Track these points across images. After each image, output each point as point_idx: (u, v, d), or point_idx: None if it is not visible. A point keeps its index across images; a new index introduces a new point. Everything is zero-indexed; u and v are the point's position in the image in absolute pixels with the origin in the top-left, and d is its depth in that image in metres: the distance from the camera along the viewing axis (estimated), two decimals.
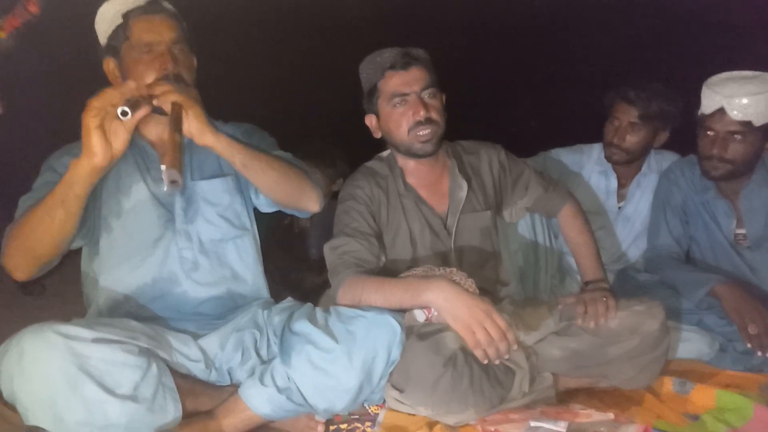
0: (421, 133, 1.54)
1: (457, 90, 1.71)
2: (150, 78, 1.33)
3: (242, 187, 1.52)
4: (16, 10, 1.59)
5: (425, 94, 1.55)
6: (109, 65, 1.42)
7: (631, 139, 1.96)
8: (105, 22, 1.41)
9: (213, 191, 1.46)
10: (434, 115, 1.55)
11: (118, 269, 1.39)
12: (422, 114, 1.53)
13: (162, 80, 1.30)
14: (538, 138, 2.34)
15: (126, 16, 1.38)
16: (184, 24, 1.44)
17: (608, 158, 2.05)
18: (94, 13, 1.43)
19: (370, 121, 1.64)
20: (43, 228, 1.20)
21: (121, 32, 1.38)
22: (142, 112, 1.17)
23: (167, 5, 1.44)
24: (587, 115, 2.15)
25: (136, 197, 1.40)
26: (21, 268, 1.25)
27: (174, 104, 1.21)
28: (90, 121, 1.13)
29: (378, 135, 1.65)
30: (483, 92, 3.39)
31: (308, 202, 1.45)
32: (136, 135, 1.38)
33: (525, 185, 1.73)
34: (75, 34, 1.46)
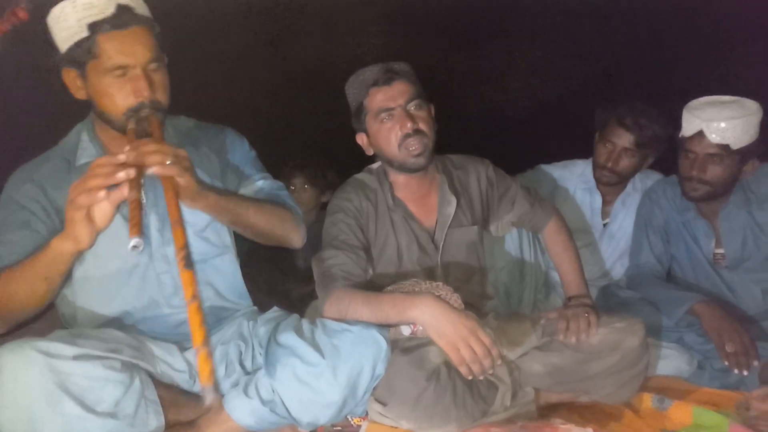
0: (411, 147, 1.55)
1: (446, 102, 1.73)
2: (121, 105, 1.22)
3: None
4: (4, 16, 1.57)
5: (411, 107, 1.56)
6: (70, 76, 1.26)
7: (624, 164, 1.99)
8: (65, 29, 1.21)
9: (190, 211, 1.30)
10: (422, 126, 1.56)
11: (93, 299, 1.33)
12: (409, 126, 1.54)
13: (138, 110, 1.21)
14: (528, 152, 2.37)
15: (93, 28, 1.19)
16: (157, 28, 1.27)
17: (598, 179, 2.08)
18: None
19: (361, 139, 1.66)
20: (23, 297, 1.17)
21: (86, 47, 1.20)
22: (125, 191, 1.07)
23: (140, 11, 1.25)
24: (574, 130, 2.19)
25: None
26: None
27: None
28: (75, 214, 1.07)
29: (370, 152, 1.66)
30: (473, 105, 3.41)
31: (291, 241, 1.45)
32: (103, 153, 1.33)
33: (511, 200, 1.75)
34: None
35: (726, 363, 1.62)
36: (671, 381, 1.70)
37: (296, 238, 1.45)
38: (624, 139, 1.96)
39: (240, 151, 1.50)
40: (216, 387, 0.93)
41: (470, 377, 1.33)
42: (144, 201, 1.31)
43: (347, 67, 1.64)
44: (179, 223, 1.07)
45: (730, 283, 1.85)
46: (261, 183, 1.46)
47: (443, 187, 1.66)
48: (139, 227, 1.02)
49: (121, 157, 1.08)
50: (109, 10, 1.20)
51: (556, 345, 1.50)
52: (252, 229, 1.35)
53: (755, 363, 1.61)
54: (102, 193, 1.05)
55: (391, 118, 1.56)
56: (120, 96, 1.23)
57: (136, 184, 1.06)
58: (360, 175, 1.71)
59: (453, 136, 1.76)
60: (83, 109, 1.39)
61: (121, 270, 1.33)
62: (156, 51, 1.25)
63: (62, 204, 1.28)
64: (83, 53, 1.21)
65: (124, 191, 1.06)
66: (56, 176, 1.32)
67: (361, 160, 1.73)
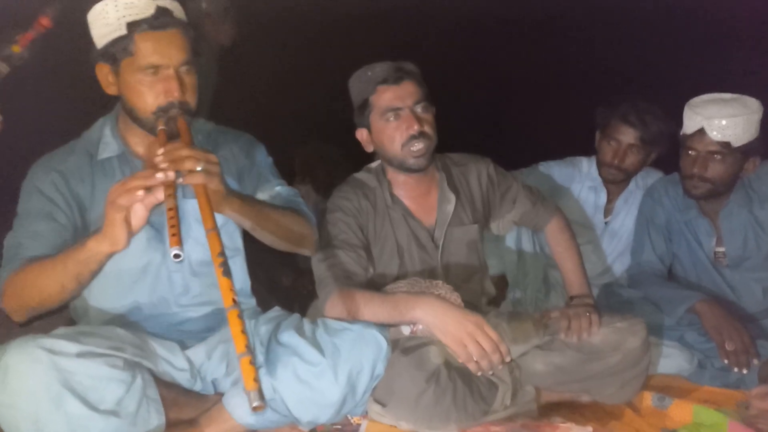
0: (414, 147, 1.55)
1: (448, 101, 1.73)
2: (152, 103, 1.25)
3: None
4: (30, 26, 1.60)
5: (418, 108, 1.56)
6: (103, 71, 1.30)
7: (630, 161, 1.99)
8: (104, 26, 1.26)
9: None
10: (427, 129, 1.56)
11: (107, 293, 1.36)
12: (416, 128, 1.53)
13: (167, 110, 1.24)
14: (530, 149, 2.37)
15: (131, 27, 1.23)
16: (192, 33, 1.31)
17: (604, 178, 2.08)
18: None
19: (362, 135, 1.65)
20: (52, 292, 1.19)
21: (123, 45, 1.24)
22: (160, 195, 1.08)
23: (178, 14, 1.29)
24: (577, 127, 2.18)
25: None
26: (21, 314, 1.23)
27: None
28: (116, 216, 1.09)
29: (370, 149, 1.66)
30: (474, 103, 3.41)
31: (305, 248, 1.46)
32: (125, 149, 1.36)
33: (513, 199, 1.75)
34: (75, 37, 1.40)
35: (726, 362, 1.62)
36: (672, 380, 1.71)
37: (310, 245, 1.46)
38: (629, 135, 1.96)
39: (258, 156, 1.50)
40: (261, 393, 0.92)
41: (479, 373, 1.32)
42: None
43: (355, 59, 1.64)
44: (215, 231, 1.06)
45: (730, 282, 1.85)
46: (279, 189, 1.46)
47: (443, 185, 1.66)
48: (178, 236, 1.02)
49: (158, 161, 1.10)
50: (149, 11, 1.24)
51: (558, 344, 1.50)
52: (271, 234, 1.34)
53: (755, 361, 1.61)
54: (141, 193, 1.07)
55: (398, 118, 1.55)
56: (151, 95, 1.25)
57: (171, 190, 1.08)
58: (359, 174, 1.70)
59: (451, 134, 1.75)
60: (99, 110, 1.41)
61: (135, 267, 1.36)
62: (189, 54, 1.28)
63: (83, 196, 1.33)
64: (119, 50, 1.25)
65: (159, 195, 1.08)
66: (79, 169, 1.35)
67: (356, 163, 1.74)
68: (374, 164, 1.71)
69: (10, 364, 1.09)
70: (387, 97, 1.56)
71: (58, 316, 1.42)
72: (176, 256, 1.01)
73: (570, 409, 1.52)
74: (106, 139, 1.38)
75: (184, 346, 1.37)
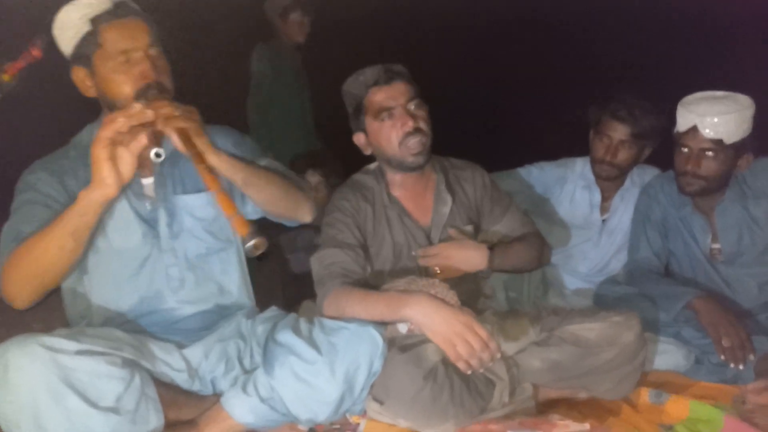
0: (411, 143, 1.57)
1: (440, 101, 1.75)
2: (129, 89, 1.28)
3: None
4: (20, 55, 1.62)
5: (411, 106, 1.58)
6: (80, 75, 1.33)
7: (622, 156, 2.00)
8: (70, 28, 1.31)
9: (198, 205, 1.42)
10: (422, 125, 1.58)
11: (106, 288, 1.37)
12: (410, 125, 1.56)
13: (145, 92, 1.26)
14: (522, 149, 2.38)
15: (95, 21, 1.29)
16: (153, 24, 1.36)
17: (598, 174, 2.08)
18: None
19: (359, 139, 1.67)
20: (51, 257, 1.20)
21: (91, 40, 1.29)
22: (144, 140, 1.15)
23: (135, 6, 1.36)
24: (569, 127, 2.20)
25: (120, 215, 1.36)
26: (23, 297, 1.24)
27: (179, 130, 1.18)
28: (100, 152, 1.13)
29: (368, 152, 1.68)
30: (466, 103, 3.43)
31: (302, 214, 1.45)
32: None
33: (503, 212, 1.75)
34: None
35: (723, 357, 1.63)
36: (669, 375, 1.71)
37: (306, 210, 1.45)
38: (620, 131, 1.97)
39: (241, 144, 1.51)
40: (256, 231, 1.05)
41: (469, 372, 1.33)
42: (154, 195, 1.38)
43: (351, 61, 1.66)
44: (207, 171, 1.17)
45: (726, 278, 1.86)
46: (266, 162, 1.47)
47: (439, 186, 1.68)
48: (159, 139, 1.14)
49: (137, 106, 1.15)
50: (107, 5, 1.31)
51: (554, 340, 1.51)
52: (264, 193, 1.36)
53: (751, 357, 1.62)
54: (124, 125, 1.12)
55: (392, 117, 1.58)
56: (127, 81, 1.28)
57: (154, 137, 1.15)
58: (357, 176, 1.73)
59: (445, 136, 1.77)
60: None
61: (132, 262, 1.37)
62: (154, 37, 1.32)
63: (77, 192, 1.30)
64: (89, 46, 1.29)
65: (143, 140, 1.14)
66: (73, 169, 1.37)
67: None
68: (372, 165, 1.73)
69: (10, 361, 1.10)
70: (379, 98, 1.58)
71: (57, 318, 1.43)
72: (157, 155, 1.11)
73: (568, 406, 1.53)
74: None
75: (181, 346, 1.38)
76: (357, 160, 1.75)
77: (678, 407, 1.48)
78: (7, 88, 1.57)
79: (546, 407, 1.52)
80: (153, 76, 1.28)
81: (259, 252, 1.09)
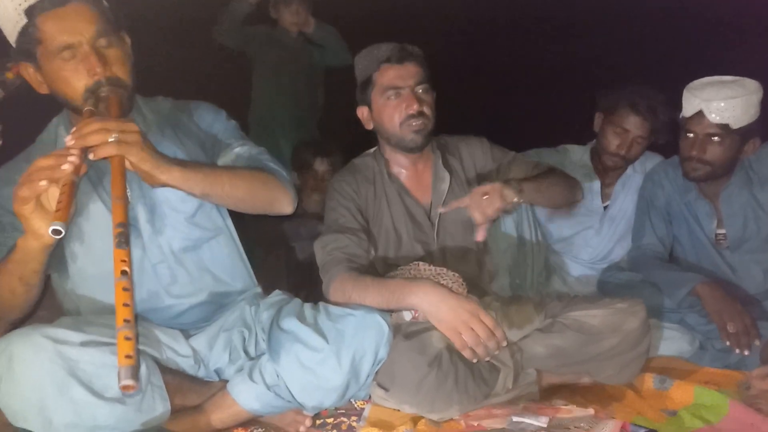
0: (413, 124, 1.57)
1: (445, 87, 1.74)
2: (80, 87, 1.16)
3: None
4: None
5: (419, 89, 1.59)
6: (29, 72, 1.21)
7: (636, 151, 1.99)
8: (8, 21, 1.16)
9: (176, 197, 1.31)
10: (426, 110, 1.59)
11: (92, 295, 1.31)
12: (415, 107, 1.56)
13: (95, 90, 1.16)
14: (522, 137, 2.37)
15: (30, 13, 1.13)
16: (104, 4, 1.21)
17: (605, 164, 2.05)
18: None
19: (362, 112, 1.67)
20: (4, 299, 1.16)
21: (30, 34, 1.15)
22: (69, 167, 1.02)
23: None
24: (570, 114, 2.18)
25: (95, 217, 1.27)
26: None
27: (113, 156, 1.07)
28: (22, 209, 1.04)
29: (369, 126, 1.68)
30: (468, 90, 3.41)
31: (279, 206, 1.37)
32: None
33: (511, 161, 1.73)
34: None
35: (727, 343, 1.63)
36: (673, 361, 1.71)
37: (285, 202, 1.36)
38: (639, 127, 1.94)
39: (216, 122, 1.44)
40: (135, 370, 0.88)
41: (475, 360, 1.33)
42: (129, 193, 1.24)
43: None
44: (121, 200, 1.03)
45: (731, 264, 1.85)
46: (239, 150, 1.39)
47: (437, 163, 1.68)
48: (66, 212, 0.97)
49: (69, 141, 1.05)
50: None
51: (558, 326, 1.51)
52: (230, 198, 1.28)
53: (756, 342, 1.62)
54: (44, 183, 1.02)
55: (398, 97, 1.58)
56: (75, 78, 1.17)
57: (76, 167, 1.03)
58: (357, 159, 1.74)
59: (449, 124, 1.76)
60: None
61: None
62: (103, 25, 1.18)
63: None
64: (29, 42, 1.17)
65: (68, 168, 1.02)
66: None
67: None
68: (372, 150, 1.74)
69: (14, 353, 1.09)
70: (389, 75, 1.58)
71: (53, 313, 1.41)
72: (55, 231, 0.96)
73: (571, 392, 1.53)
74: (61, 139, 1.30)
75: (186, 335, 1.38)
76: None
77: (682, 393, 1.48)
78: (11, 86, 1.56)
79: (549, 393, 1.52)
80: (101, 72, 1.16)
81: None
